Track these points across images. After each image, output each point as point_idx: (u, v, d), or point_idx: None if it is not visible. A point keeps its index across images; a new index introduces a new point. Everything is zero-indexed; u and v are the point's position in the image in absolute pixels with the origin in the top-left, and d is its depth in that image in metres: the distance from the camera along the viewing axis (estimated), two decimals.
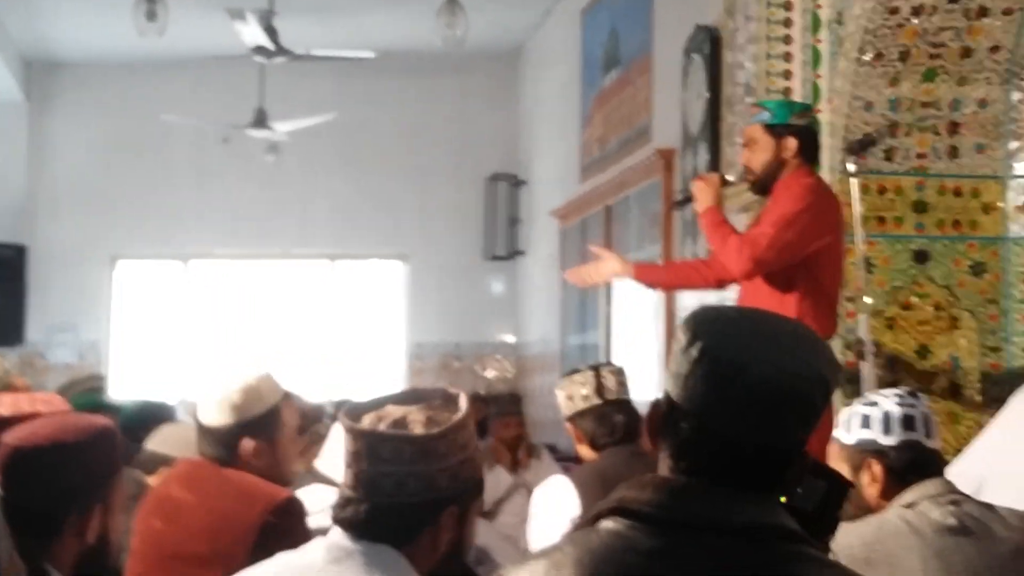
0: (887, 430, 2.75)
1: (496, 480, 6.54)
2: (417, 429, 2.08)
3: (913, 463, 2.74)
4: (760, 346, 1.56)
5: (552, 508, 3.55)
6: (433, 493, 2.08)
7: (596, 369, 3.66)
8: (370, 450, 2.08)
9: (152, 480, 3.53)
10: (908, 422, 2.76)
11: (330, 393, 9.56)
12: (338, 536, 2.10)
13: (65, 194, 11.94)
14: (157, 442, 3.85)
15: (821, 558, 1.58)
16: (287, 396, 3.11)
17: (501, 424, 6.92)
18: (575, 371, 3.74)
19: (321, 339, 12.28)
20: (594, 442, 3.60)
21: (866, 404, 2.82)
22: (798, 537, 1.57)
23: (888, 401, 2.81)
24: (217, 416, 2.97)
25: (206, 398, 3.02)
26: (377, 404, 2.15)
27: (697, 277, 4.46)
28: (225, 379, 3.05)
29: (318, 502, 3.59)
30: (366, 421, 2.11)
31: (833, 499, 2.02)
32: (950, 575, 2.59)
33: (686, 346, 1.57)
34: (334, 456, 3.83)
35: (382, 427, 2.09)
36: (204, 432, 2.98)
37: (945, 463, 2.93)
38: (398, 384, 11.89)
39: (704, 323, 1.59)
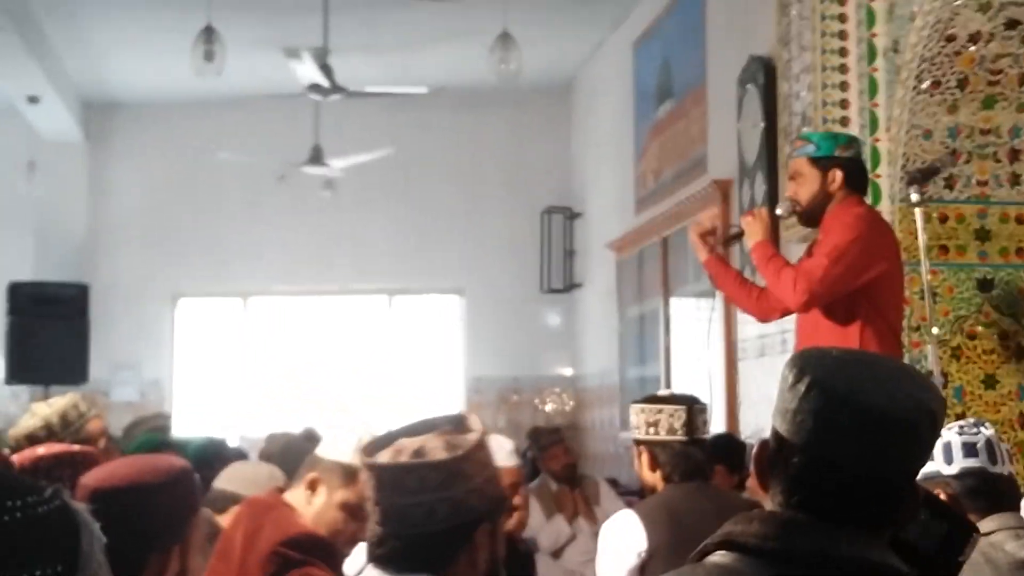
0: (948, 460, 2.76)
1: (556, 530, 6.50)
2: (439, 455, 2.07)
3: (977, 490, 2.72)
4: (866, 378, 1.58)
5: (619, 542, 3.54)
6: (464, 516, 2.07)
7: (689, 405, 3.63)
8: (395, 483, 2.06)
9: (222, 519, 3.55)
10: (969, 450, 2.76)
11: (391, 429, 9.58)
12: (377, 574, 2.09)
13: (126, 232, 12.10)
14: (225, 480, 3.88)
15: None
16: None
17: (548, 458, 6.88)
18: (659, 398, 3.71)
19: (380, 375, 12.33)
20: (668, 475, 3.58)
21: None
22: None
23: (949, 432, 2.80)
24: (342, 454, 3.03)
25: (339, 437, 3.07)
26: (389, 439, 2.14)
27: (750, 302, 4.43)
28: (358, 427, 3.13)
29: None
30: (384, 456, 2.10)
31: (956, 542, 2.00)
32: None
33: (793, 382, 1.59)
34: None
35: (404, 459, 2.07)
36: (322, 463, 3.02)
37: (1020, 491, 2.90)
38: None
39: (811, 360, 1.62)
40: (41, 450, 3.12)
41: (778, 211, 4.44)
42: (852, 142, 4.38)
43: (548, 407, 12.04)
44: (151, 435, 4.95)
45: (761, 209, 4.53)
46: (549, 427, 8.67)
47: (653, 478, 3.63)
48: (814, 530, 1.55)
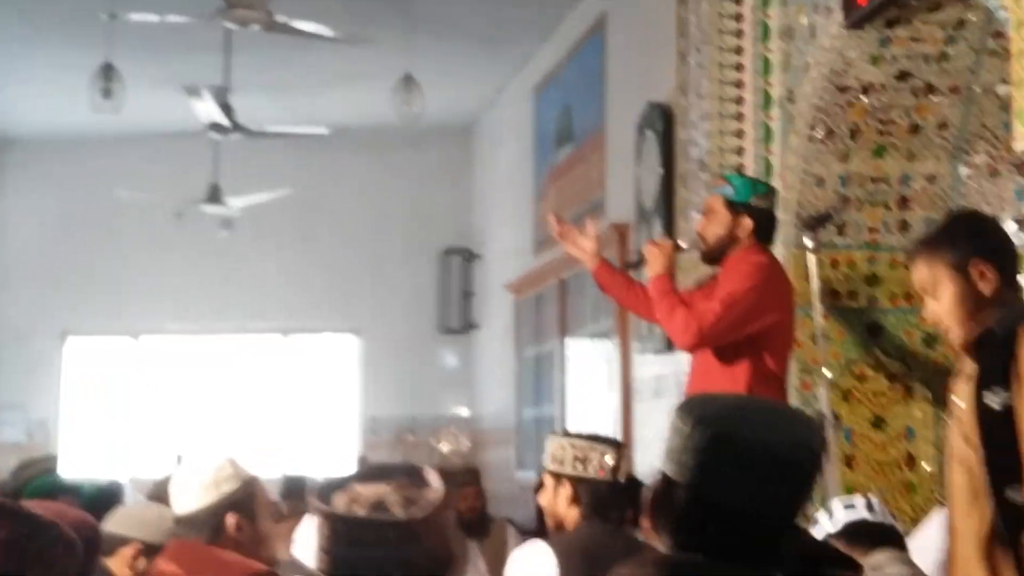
0: (831, 517, 2.94)
1: None
2: (397, 511, 2.01)
3: (858, 533, 2.84)
4: (750, 419, 1.64)
5: (529, 572, 3.51)
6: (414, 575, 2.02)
7: (619, 448, 3.63)
8: (350, 535, 2.00)
9: (111, 562, 3.48)
10: (847, 505, 2.94)
11: (285, 469, 9.49)
12: None
13: (15, 269, 11.88)
14: (114, 523, 3.80)
15: None
16: (256, 479, 3.12)
17: (459, 496, 6.90)
18: (592, 437, 3.69)
19: (275, 414, 12.20)
20: (587, 513, 3.56)
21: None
22: None
23: (833, 503, 3.02)
24: (197, 499, 2.98)
25: (180, 487, 3.03)
26: (343, 483, 2.06)
27: (645, 308, 4.47)
28: (194, 466, 3.07)
29: None
30: (339, 503, 2.03)
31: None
32: None
33: (679, 423, 1.64)
34: (310, 543, 3.80)
35: (360, 511, 2.01)
36: (185, 520, 2.99)
37: (903, 539, 2.98)
38: (351, 458, 11.84)
39: (697, 403, 1.68)
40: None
41: (682, 244, 4.50)
42: (770, 193, 4.44)
43: (444, 447, 12.02)
44: (42, 479, 4.84)
45: (664, 240, 4.58)
46: (467, 466, 8.70)
47: (568, 513, 3.60)
48: (702, 571, 1.58)
